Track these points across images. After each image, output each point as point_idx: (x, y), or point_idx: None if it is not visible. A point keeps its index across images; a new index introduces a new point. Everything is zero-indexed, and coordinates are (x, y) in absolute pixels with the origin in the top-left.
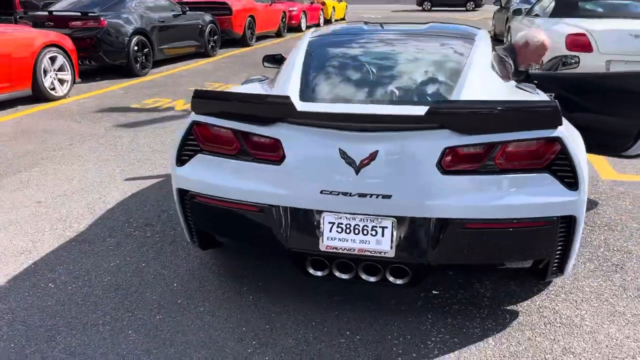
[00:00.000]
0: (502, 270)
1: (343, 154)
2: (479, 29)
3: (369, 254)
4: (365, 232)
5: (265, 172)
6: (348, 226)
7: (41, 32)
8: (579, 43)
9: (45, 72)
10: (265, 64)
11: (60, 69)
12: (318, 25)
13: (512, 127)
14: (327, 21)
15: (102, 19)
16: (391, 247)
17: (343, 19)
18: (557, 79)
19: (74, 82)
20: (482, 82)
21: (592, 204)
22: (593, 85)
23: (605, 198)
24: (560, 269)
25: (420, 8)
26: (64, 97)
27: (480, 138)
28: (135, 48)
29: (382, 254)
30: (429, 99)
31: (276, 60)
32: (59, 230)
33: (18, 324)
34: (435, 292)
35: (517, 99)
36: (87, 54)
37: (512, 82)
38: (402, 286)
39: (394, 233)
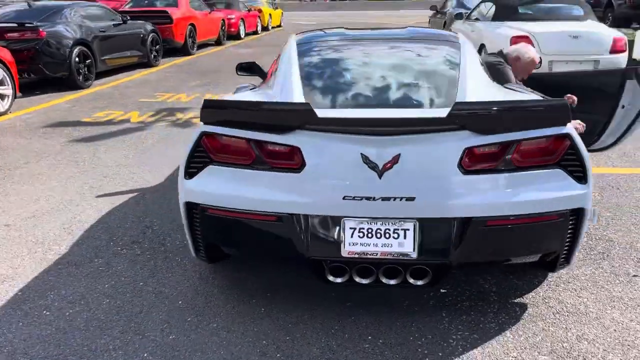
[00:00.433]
0: (505, 265)
1: (365, 159)
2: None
3: (391, 257)
4: (387, 235)
5: (283, 180)
6: (370, 230)
7: None
8: None
9: None
10: (239, 72)
11: (0, 83)
12: (256, 32)
13: (527, 125)
14: (265, 28)
15: (40, 29)
16: (414, 249)
17: (279, 25)
18: (534, 79)
19: (14, 96)
20: (481, 83)
21: None
22: (559, 84)
23: None
24: (567, 260)
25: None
26: (5, 113)
27: (497, 137)
28: (77, 59)
29: (405, 257)
30: (438, 101)
31: (251, 68)
32: (39, 254)
33: (20, 356)
34: (443, 291)
35: (518, 98)
36: (25, 66)
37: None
38: (422, 287)
39: (416, 235)
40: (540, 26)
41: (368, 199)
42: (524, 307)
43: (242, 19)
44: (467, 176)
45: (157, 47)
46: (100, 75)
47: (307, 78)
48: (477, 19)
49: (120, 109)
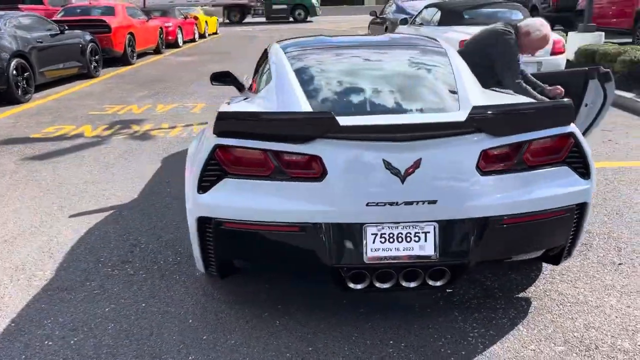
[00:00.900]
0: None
1: (388, 165)
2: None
3: (412, 260)
4: (408, 239)
5: (304, 190)
6: (391, 235)
7: None
8: None
9: None
10: (214, 82)
11: None
12: (194, 40)
13: (537, 126)
14: (202, 36)
15: None
16: (434, 251)
17: (216, 33)
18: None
19: None
20: (476, 88)
21: None
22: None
23: None
24: (569, 253)
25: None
26: None
27: (511, 139)
28: (15, 72)
29: (426, 259)
30: (446, 105)
31: (225, 78)
32: (22, 281)
33: None
34: (449, 291)
35: (522, 100)
36: None
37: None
38: (440, 288)
39: (437, 236)
40: None
41: (391, 204)
42: (528, 301)
43: (179, 26)
44: (484, 177)
45: (97, 57)
46: (40, 87)
47: (306, 86)
48: (421, 24)
49: (71, 123)
